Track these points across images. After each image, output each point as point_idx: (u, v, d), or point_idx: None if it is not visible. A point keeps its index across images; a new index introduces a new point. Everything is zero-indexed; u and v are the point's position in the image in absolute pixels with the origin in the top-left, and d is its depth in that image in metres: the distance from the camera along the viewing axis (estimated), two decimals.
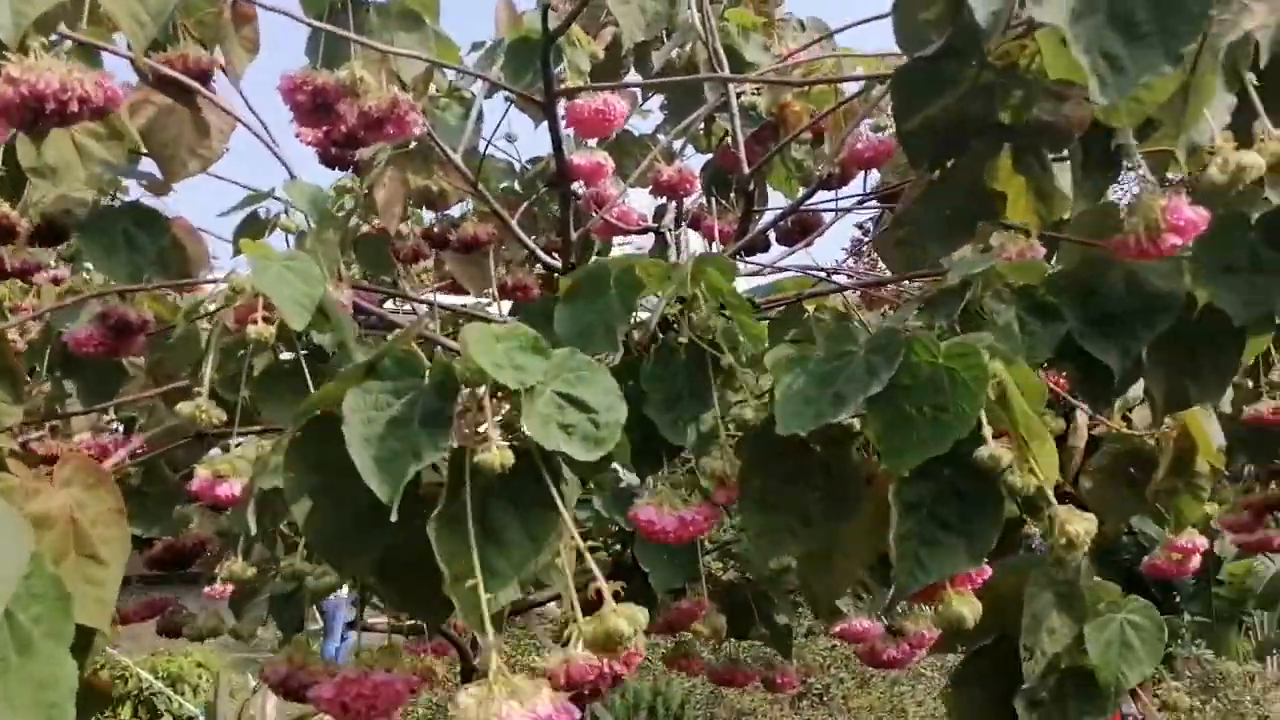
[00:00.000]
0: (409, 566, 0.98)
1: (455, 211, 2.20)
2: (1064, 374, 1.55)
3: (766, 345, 1.17)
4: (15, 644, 0.85)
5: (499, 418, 0.99)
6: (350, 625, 1.49)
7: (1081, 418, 1.90)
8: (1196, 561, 1.99)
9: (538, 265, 2.30)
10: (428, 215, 2.28)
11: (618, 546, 2.25)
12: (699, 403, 1.16)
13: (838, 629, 2.02)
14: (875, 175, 1.98)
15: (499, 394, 0.98)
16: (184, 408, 1.42)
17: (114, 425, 2.05)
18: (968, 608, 1.01)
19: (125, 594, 2.08)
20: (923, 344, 0.98)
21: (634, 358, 1.23)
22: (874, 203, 2.05)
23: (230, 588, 1.92)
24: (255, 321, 1.36)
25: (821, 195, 2.06)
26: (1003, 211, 1.29)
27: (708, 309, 1.18)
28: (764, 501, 1.11)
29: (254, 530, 1.34)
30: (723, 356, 1.16)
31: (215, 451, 1.55)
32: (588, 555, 0.98)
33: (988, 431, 0.95)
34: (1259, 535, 2.23)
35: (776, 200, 2.26)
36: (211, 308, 1.69)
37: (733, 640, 2.69)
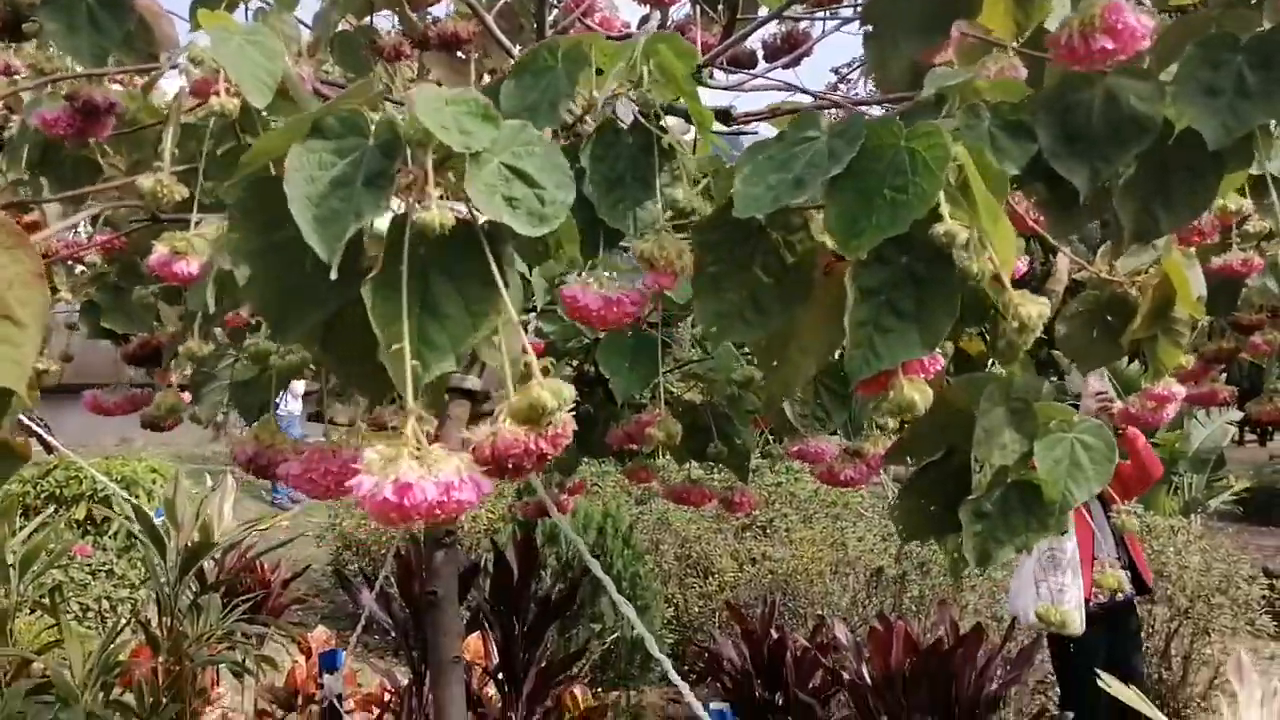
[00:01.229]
0: (353, 335, 0.98)
1: (439, 12, 2.14)
2: (1032, 197, 1.54)
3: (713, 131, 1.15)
4: None
5: (441, 186, 0.97)
6: (314, 417, 1.49)
7: (1062, 261, 1.89)
8: (1173, 410, 2.00)
9: None
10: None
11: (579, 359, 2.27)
12: (641, 186, 1.14)
13: (795, 449, 2.05)
14: None
15: (446, 162, 0.96)
16: (144, 181, 1.39)
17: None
18: (919, 394, 1.02)
19: (108, 392, 2.10)
20: (885, 126, 0.97)
21: (578, 140, 1.21)
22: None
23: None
24: (218, 94, 1.32)
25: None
26: (979, 12, 1.25)
27: (657, 90, 1.14)
28: (717, 286, 1.10)
29: (212, 308, 1.34)
30: (665, 136, 1.13)
31: None
32: (521, 332, 0.98)
33: (945, 210, 0.94)
34: (1205, 389, 2.26)
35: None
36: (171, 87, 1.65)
37: (690, 466, 2.76)
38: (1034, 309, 0.98)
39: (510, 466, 0.98)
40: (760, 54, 2.26)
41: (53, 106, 1.68)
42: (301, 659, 4.68)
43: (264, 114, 1.49)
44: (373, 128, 0.96)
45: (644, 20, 2.29)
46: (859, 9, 1.98)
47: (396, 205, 0.97)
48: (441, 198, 0.96)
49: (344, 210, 0.92)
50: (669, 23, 2.27)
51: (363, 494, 0.88)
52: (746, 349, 2.01)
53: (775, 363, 1.18)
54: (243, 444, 1.40)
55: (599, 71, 1.20)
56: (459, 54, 2.14)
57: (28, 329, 1.02)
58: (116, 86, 1.73)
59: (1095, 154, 1.26)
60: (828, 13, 2.13)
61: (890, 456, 1.77)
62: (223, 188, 1.39)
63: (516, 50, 1.99)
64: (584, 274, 1.15)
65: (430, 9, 2.14)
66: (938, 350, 1.07)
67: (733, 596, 5.82)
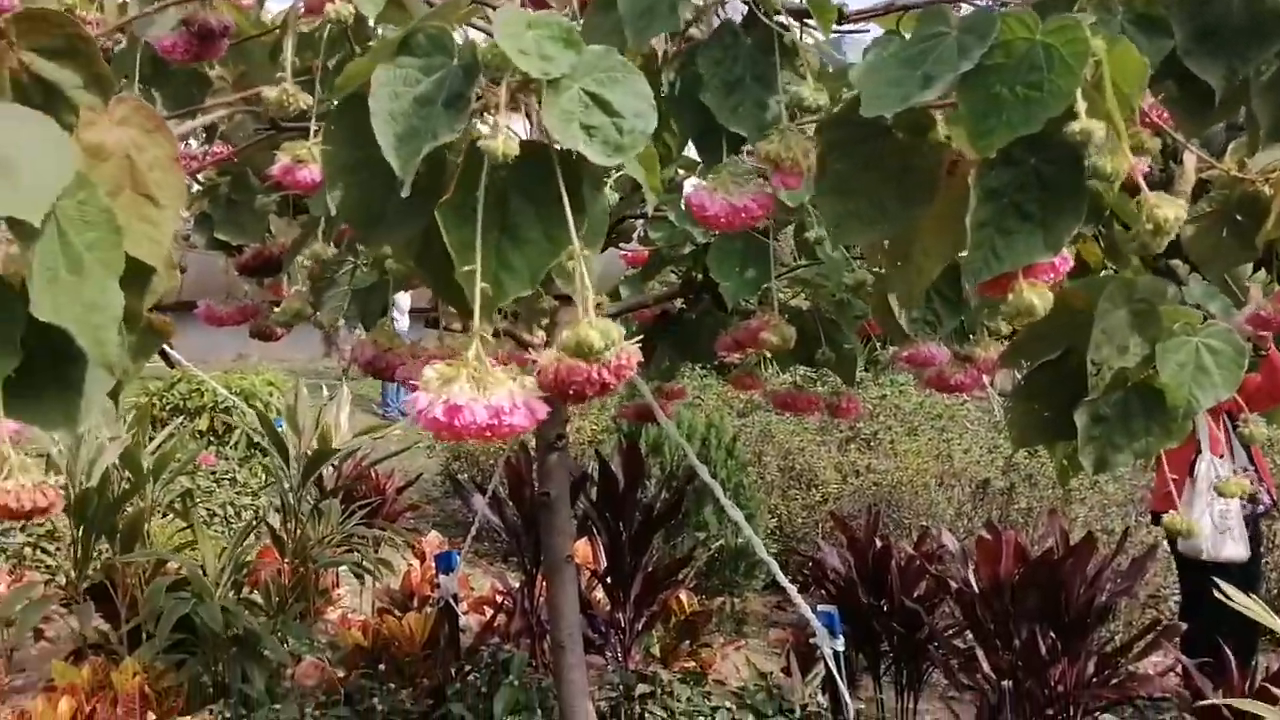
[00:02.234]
0: (444, 252, 0.98)
1: None
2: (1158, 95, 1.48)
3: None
4: (67, 262, 0.89)
5: (520, 109, 0.97)
6: (431, 324, 1.54)
7: (1189, 161, 1.82)
8: None
9: None
10: None
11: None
12: (762, 86, 1.12)
13: (906, 354, 2.03)
14: None
15: (530, 84, 0.95)
16: (269, 93, 1.43)
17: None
18: (1039, 298, 1.01)
19: (221, 302, 2.18)
20: (1020, 20, 0.94)
21: (693, 45, 1.19)
22: None
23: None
24: (333, 1, 1.34)
25: None
26: None
27: None
28: (841, 188, 1.09)
29: (334, 211, 1.37)
30: (787, 34, 1.11)
31: None
32: (582, 264, 0.97)
33: (1081, 108, 0.91)
34: None
35: None
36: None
37: (795, 371, 2.76)
38: (1170, 210, 0.95)
39: (572, 393, 1.00)
40: None
41: (166, 33, 1.73)
42: (416, 563, 4.85)
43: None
44: (456, 47, 0.97)
45: None
46: None
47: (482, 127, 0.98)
48: (527, 118, 0.96)
49: (422, 129, 0.93)
50: None
51: (417, 410, 0.91)
52: (859, 254, 1.99)
53: (898, 265, 1.17)
54: (363, 347, 1.45)
55: None
56: None
57: (166, 210, 1.06)
58: None
59: (1233, 50, 1.20)
60: None
61: (1004, 359, 1.74)
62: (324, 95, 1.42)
63: None
64: (707, 179, 1.14)
65: None
66: (1065, 252, 1.05)
67: (836, 508, 5.84)
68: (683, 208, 1.92)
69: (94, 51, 1.29)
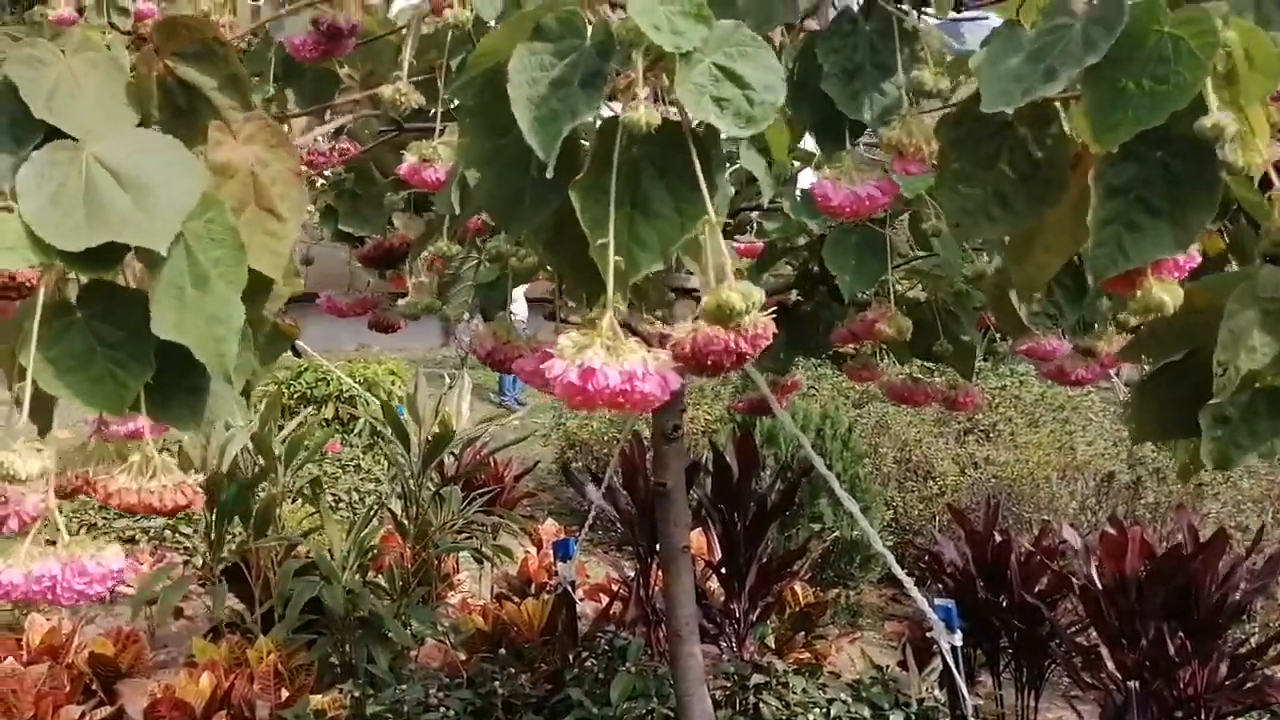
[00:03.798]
0: (576, 236, 1.01)
1: None
2: None
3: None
4: (193, 278, 0.96)
5: (653, 85, 0.98)
6: (549, 317, 1.57)
7: None
8: None
9: None
10: None
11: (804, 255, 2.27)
12: (881, 72, 1.12)
13: (1025, 347, 2.00)
14: None
15: (659, 62, 0.97)
16: (385, 91, 1.48)
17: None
18: (1169, 294, 0.99)
19: (342, 294, 2.26)
20: (1148, 10, 0.92)
21: (812, 34, 1.19)
22: None
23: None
24: (451, 5, 1.38)
25: None
26: None
27: None
28: (963, 183, 1.08)
29: (458, 210, 1.42)
30: (906, 20, 1.10)
31: None
32: (719, 234, 0.98)
33: (1212, 102, 0.89)
34: None
35: None
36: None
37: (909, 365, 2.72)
38: None
39: (710, 364, 1.00)
40: None
41: (297, 33, 1.80)
42: (533, 550, 4.95)
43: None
44: (587, 28, 0.99)
45: None
46: None
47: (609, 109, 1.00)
48: (655, 98, 0.98)
49: (561, 110, 0.95)
50: None
51: (553, 376, 0.93)
52: (976, 244, 1.96)
53: (1020, 261, 1.16)
54: (482, 339, 1.49)
55: None
56: None
57: (287, 222, 1.12)
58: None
59: None
60: None
61: (1124, 355, 1.70)
62: (453, 89, 1.46)
63: None
64: (827, 168, 1.14)
65: None
66: (1193, 248, 1.03)
67: (954, 500, 5.75)
68: (796, 198, 1.92)
69: (229, 54, 1.36)
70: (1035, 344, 1.96)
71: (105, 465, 1.02)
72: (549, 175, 0.92)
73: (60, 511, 0.90)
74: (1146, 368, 1.43)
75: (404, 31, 2.05)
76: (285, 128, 2.06)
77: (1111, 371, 2.06)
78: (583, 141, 1.02)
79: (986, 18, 1.71)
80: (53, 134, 1.09)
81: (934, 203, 1.73)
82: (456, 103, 1.37)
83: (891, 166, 1.10)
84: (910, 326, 1.84)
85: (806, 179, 2.07)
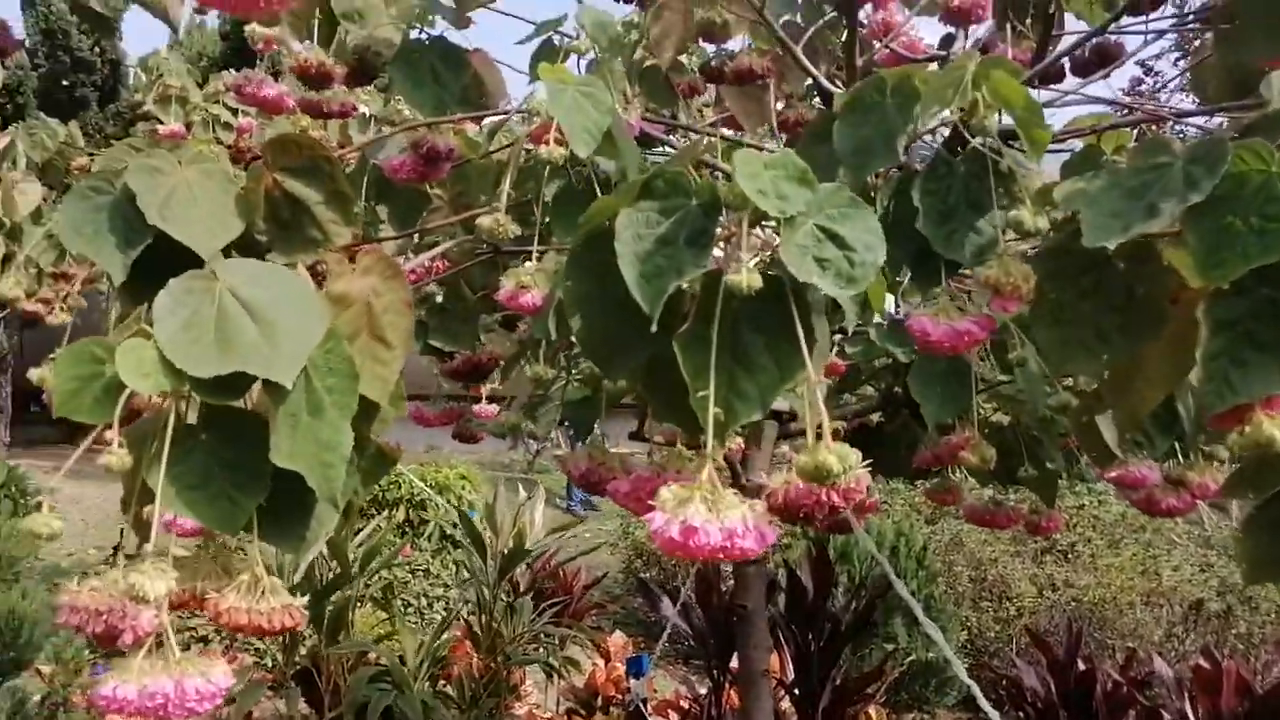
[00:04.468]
0: (672, 377, 1.03)
1: (734, 45, 2.20)
2: None
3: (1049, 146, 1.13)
4: (309, 406, 1.00)
5: (757, 245, 1.02)
6: (635, 435, 1.59)
7: None
8: None
9: (816, 100, 2.28)
10: (709, 49, 2.29)
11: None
12: (976, 212, 1.14)
13: (1113, 474, 1.96)
14: None
15: (761, 221, 1.01)
16: (484, 221, 1.53)
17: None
18: (1279, 430, 0.97)
19: (430, 405, 2.30)
20: (1253, 150, 0.93)
21: (908, 173, 1.22)
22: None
23: (494, 408, 2.13)
24: (548, 143, 1.44)
25: (1126, 21, 1.93)
26: None
27: (988, 113, 1.14)
28: (1060, 317, 1.09)
29: (554, 335, 1.45)
30: (1002, 160, 1.12)
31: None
32: (817, 391, 0.99)
33: None
34: None
35: (1075, 28, 2.13)
36: (509, 138, 1.78)
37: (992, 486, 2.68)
38: None
39: (801, 516, 1.02)
40: (1068, 67, 2.18)
41: (396, 155, 1.87)
42: (600, 662, 4.89)
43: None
44: (694, 189, 1.03)
45: (947, 40, 2.27)
46: (1185, 16, 1.89)
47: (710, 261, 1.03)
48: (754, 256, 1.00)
49: (667, 267, 0.99)
50: (971, 40, 2.23)
51: (654, 529, 0.95)
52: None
53: (1118, 395, 1.15)
54: (576, 460, 1.51)
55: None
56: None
57: (395, 350, 1.16)
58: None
59: None
60: (1146, 24, 2.03)
61: (1229, 490, 1.66)
62: (560, 232, 1.51)
63: (821, 74, 2.03)
64: (924, 304, 1.16)
65: (726, 43, 2.19)
66: None
67: (1032, 623, 5.58)
68: (882, 326, 1.93)
69: (336, 171, 1.42)
70: (1124, 471, 1.92)
71: (212, 581, 1.04)
72: (653, 329, 0.95)
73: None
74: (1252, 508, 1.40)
75: (494, 156, 2.13)
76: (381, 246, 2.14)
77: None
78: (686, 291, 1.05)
79: (1072, 150, 1.73)
80: (160, 240, 1.16)
81: (1019, 331, 1.73)
82: (560, 240, 1.42)
83: (989, 304, 1.11)
84: (994, 456, 1.83)
85: (889, 306, 2.09)
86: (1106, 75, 2.11)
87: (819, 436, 0.97)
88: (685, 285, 1.02)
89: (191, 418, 0.98)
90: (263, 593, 1.01)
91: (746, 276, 0.94)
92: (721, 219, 1.00)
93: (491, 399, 2.34)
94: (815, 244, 0.97)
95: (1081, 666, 3.94)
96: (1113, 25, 1.92)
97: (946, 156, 1.19)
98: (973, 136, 1.18)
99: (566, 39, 1.84)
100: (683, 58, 2.28)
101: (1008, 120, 1.18)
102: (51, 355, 1.54)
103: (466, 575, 4.97)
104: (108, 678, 0.90)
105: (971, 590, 6.18)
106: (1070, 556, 6.49)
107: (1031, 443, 2.23)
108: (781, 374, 0.99)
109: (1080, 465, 2.71)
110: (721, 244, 1.02)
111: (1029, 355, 1.69)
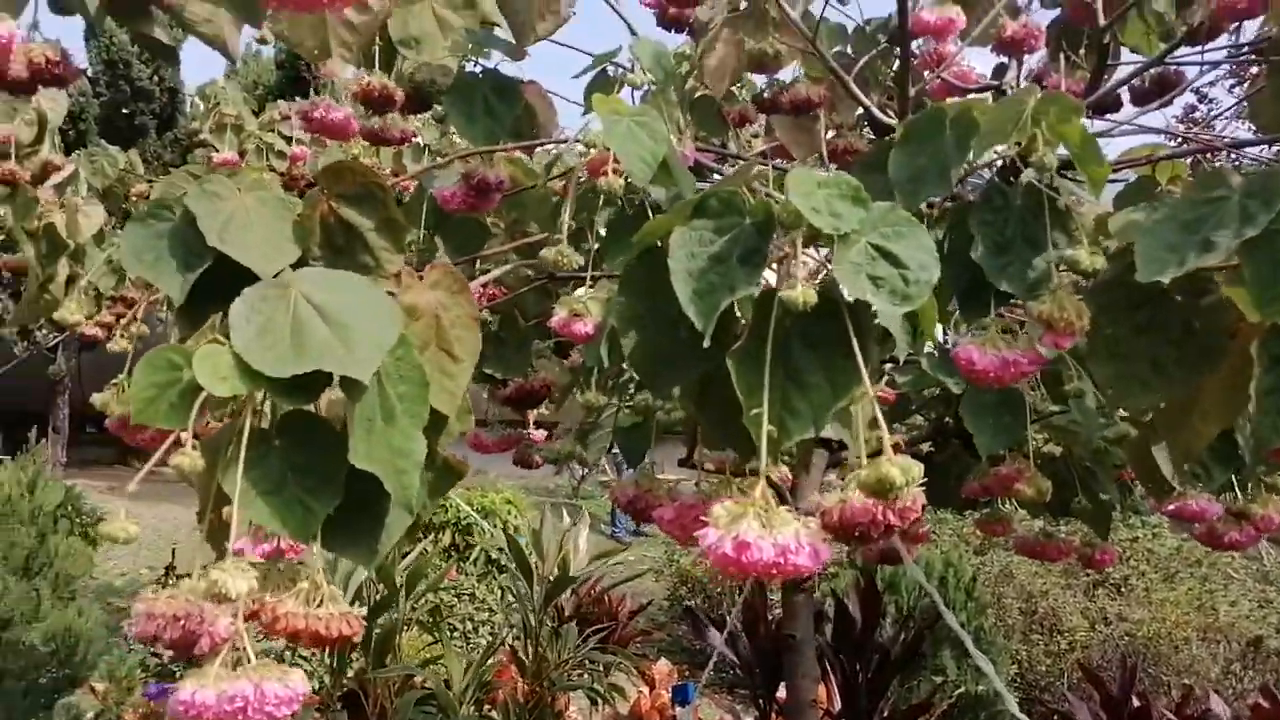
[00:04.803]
0: (723, 397, 1.03)
1: (785, 76, 2.21)
2: None
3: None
4: (383, 412, 1.02)
5: (811, 263, 1.02)
6: (684, 462, 1.59)
7: None
8: None
9: (866, 129, 2.29)
10: (758, 80, 2.31)
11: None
12: (1031, 247, 1.14)
13: (1171, 507, 1.94)
14: (1250, 27, 1.82)
15: (815, 239, 1.01)
16: (547, 253, 1.55)
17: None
18: None
19: (488, 431, 2.32)
20: None
21: (963, 205, 1.22)
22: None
23: (541, 433, 2.15)
24: (605, 174, 1.46)
25: (1183, 51, 1.92)
26: None
27: (1047, 150, 1.14)
28: (1115, 351, 1.09)
29: (607, 363, 1.47)
30: (1060, 198, 1.12)
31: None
32: (875, 406, 0.99)
33: None
34: None
35: (1130, 58, 2.13)
36: (562, 168, 1.81)
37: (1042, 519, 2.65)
38: None
39: (857, 535, 1.01)
40: (1125, 96, 2.17)
41: (448, 186, 1.90)
42: (645, 689, 4.87)
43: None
44: (748, 208, 1.04)
45: (1000, 70, 2.27)
46: (1240, 47, 1.88)
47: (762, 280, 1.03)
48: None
49: (720, 284, 0.99)
50: (1025, 71, 2.23)
51: (706, 545, 0.94)
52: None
53: (1175, 428, 1.14)
54: (624, 487, 1.52)
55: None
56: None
57: (462, 363, 1.18)
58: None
59: None
60: (1203, 54, 2.02)
61: None
62: (613, 260, 1.52)
63: (872, 106, 2.04)
64: (972, 333, 1.16)
65: (778, 73, 2.21)
66: None
67: (1083, 657, 5.49)
68: (934, 356, 1.92)
69: (389, 199, 1.45)
70: (1183, 504, 1.90)
71: (276, 591, 1.05)
72: (705, 345, 0.96)
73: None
74: None
75: (550, 184, 2.16)
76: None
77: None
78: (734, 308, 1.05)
79: (1126, 180, 1.73)
80: (218, 264, 1.19)
81: (1074, 363, 1.72)
82: (610, 267, 1.44)
83: (1042, 339, 1.11)
84: (1049, 488, 1.82)
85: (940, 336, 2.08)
86: (1167, 104, 2.10)
87: (878, 451, 0.97)
88: (736, 307, 1.03)
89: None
90: (321, 600, 1.02)
91: (802, 292, 0.94)
92: (774, 238, 1.01)
93: (540, 425, 2.36)
94: (869, 261, 0.98)
95: (1136, 703, 3.87)
96: (1170, 55, 1.91)
97: (1003, 189, 1.19)
98: (1030, 171, 1.18)
99: (620, 70, 1.87)
100: (733, 88, 2.30)
101: (1063, 150, 1.18)
102: (113, 380, 1.58)
103: (512, 600, 4.99)
104: (185, 682, 0.90)
105: (1022, 623, 6.09)
106: (1124, 590, 6.38)
107: (1085, 474, 2.21)
108: (835, 392, 0.99)
109: (1134, 497, 2.68)
110: (773, 265, 1.03)
111: (1085, 387, 1.68)
